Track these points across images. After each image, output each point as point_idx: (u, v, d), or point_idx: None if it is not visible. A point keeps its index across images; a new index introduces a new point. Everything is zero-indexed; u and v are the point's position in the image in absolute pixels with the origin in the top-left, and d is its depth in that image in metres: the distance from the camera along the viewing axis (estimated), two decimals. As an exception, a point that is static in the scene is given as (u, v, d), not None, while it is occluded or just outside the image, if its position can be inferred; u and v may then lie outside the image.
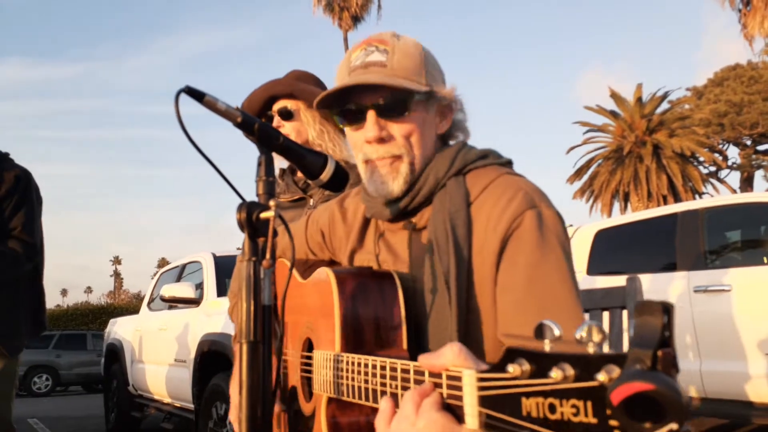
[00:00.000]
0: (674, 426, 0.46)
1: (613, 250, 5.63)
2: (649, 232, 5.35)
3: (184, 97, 0.87)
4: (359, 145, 1.12)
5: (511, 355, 0.60)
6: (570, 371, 0.54)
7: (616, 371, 0.50)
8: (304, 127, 1.91)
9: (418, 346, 1.04)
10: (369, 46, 1.11)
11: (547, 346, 0.58)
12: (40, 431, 8.13)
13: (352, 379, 0.92)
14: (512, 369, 0.59)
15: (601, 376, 0.51)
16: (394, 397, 0.82)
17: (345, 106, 1.11)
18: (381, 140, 1.09)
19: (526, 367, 0.58)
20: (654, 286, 4.82)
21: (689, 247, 4.91)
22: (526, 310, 0.98)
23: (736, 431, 5.46)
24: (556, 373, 0.54)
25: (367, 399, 0.89)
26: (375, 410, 1.01)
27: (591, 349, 0.54)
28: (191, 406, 5.02)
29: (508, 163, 1.16)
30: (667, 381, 0.46)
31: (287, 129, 1.89)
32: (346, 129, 1.16)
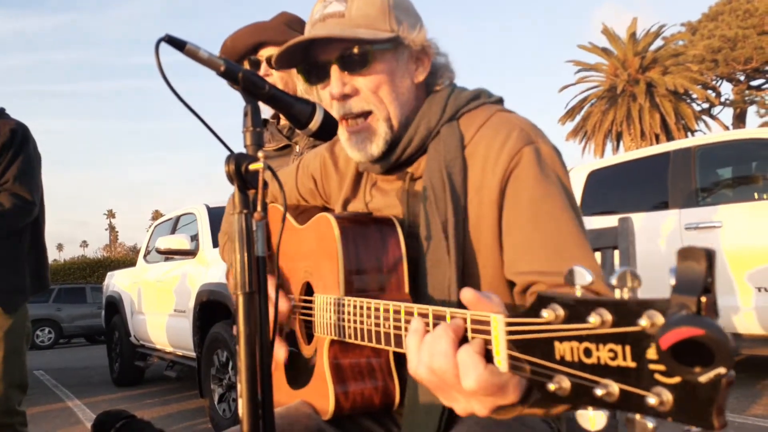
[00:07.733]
0: (722, 370, 0.46)
1: (606, 190, 5.65)
2: (641, 172, 5.36)
3: (166, 46, 0.84)
4: (329, 102, 1.09)
5: (544, 300, 0.60)
6: (608, 316, 0.54)
7: (658, 317, 0.50)
8: (292, 78, 1.86)
9: (416, 290, 1.05)
10: None
11: (578, 291, 0.58)
12: (47, 382, 8.29)
13: (361, 322, 0.93)
14: (546, 314, 0.59)
15: (643, 321, 0.51)
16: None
17: (307, 62, 1.07)
18: (346, 96, 1.06)
19: (560, 312, 0.58)
20: (646, 224, 4.86)
21: (681, 186, 4.94)
22: (533, 246, 0.98)
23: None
24: (594, 318, 0.54)
25: (378, 341, 0.90)
26: (375, 351, 1.03)
27: (626, 295, 0.53)
28: (193, 354, 5.11)
29: (500, 101, 1.14)
30: (716, 326, 0.46)
31: (275, 78, 1.83)
32: (317, 88, 1.11)
